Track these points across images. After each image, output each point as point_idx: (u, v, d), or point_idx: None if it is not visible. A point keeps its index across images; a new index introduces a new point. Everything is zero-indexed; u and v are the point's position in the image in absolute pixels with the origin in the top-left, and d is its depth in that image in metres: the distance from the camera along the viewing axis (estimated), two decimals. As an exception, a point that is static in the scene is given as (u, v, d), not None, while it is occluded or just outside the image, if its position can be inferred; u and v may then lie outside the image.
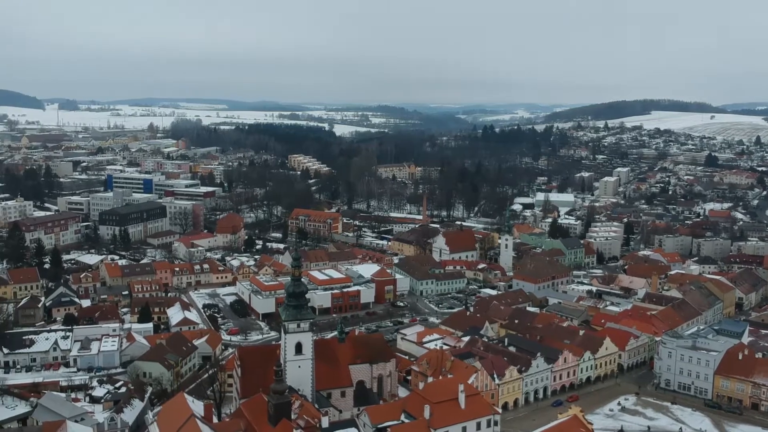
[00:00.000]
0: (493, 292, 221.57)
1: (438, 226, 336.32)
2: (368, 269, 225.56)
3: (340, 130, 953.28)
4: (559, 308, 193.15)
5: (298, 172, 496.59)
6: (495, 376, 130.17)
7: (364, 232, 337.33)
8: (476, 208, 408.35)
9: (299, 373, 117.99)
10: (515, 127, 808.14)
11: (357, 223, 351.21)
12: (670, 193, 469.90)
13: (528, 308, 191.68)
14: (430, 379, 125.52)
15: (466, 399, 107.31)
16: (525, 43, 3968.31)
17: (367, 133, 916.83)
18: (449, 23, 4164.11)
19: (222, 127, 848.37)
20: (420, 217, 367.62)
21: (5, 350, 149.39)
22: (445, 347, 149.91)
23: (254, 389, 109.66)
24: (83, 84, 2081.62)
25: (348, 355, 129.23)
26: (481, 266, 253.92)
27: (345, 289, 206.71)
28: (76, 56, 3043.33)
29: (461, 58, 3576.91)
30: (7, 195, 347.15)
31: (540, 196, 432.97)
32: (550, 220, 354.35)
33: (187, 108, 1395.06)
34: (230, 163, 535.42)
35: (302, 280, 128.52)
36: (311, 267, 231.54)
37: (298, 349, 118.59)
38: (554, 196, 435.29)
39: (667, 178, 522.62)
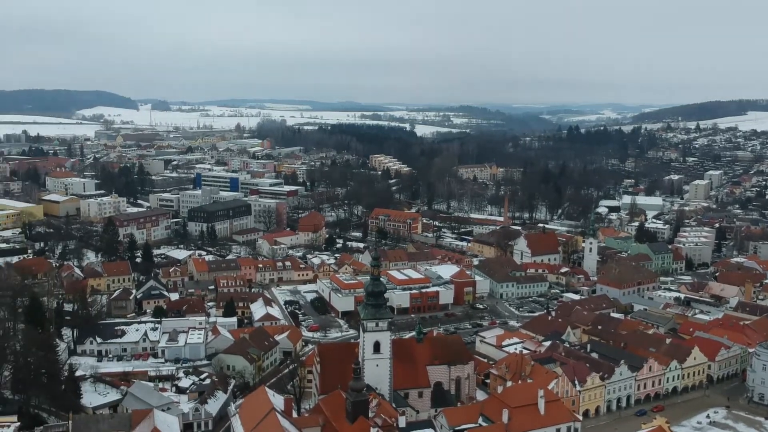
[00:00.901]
0: (576, 297, 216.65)
1: (519, 228, 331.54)
2: (447, 270, 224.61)
3: (422, 130, 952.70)
4: (644, 315, 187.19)
5: (379, 172, 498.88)
6: (576, 382, 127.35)
7: (444, 232, 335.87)
8: (560, 211, 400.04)
9: (377, 371, 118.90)
10: (601, 128, 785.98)
11: (437, 223, 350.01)
12: (767, 197, 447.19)
13: (612, 314, 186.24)
14: (509, 383, 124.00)
15: (545, 405, 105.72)
16: (613, 42, 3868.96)
17: (448, 133, 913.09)
18: (534, 23, 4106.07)
19: (305, 128, 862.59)
20: (501, 218, 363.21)
21: (99, 340, 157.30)
22: (525, 351, 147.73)
23: (333, 386, 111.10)
24: (175, 85, 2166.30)
25: (426, 356, 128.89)
26: (563, 270, 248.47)
27: (424, 290, 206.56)
28: (168, 59, 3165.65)
29: (546, 58, 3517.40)
30: (102, 191, 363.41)
31: (626, 199, 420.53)
32: (636, 223, 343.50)
33: (272, 108, 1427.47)
34: (313, 163, 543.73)
35: (381, 279, 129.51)
36: (390, 266, 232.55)
37: (377, 347, 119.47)
38: (641, 199, 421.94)
39: (763, 182, 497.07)
